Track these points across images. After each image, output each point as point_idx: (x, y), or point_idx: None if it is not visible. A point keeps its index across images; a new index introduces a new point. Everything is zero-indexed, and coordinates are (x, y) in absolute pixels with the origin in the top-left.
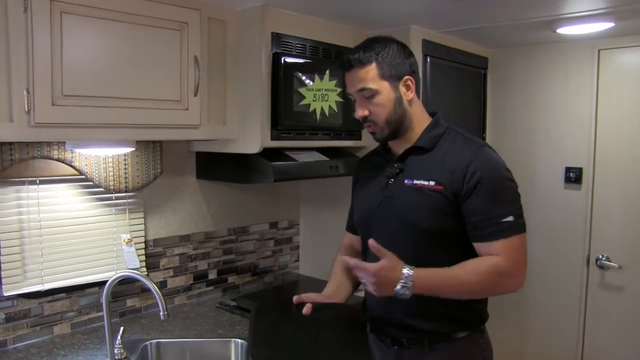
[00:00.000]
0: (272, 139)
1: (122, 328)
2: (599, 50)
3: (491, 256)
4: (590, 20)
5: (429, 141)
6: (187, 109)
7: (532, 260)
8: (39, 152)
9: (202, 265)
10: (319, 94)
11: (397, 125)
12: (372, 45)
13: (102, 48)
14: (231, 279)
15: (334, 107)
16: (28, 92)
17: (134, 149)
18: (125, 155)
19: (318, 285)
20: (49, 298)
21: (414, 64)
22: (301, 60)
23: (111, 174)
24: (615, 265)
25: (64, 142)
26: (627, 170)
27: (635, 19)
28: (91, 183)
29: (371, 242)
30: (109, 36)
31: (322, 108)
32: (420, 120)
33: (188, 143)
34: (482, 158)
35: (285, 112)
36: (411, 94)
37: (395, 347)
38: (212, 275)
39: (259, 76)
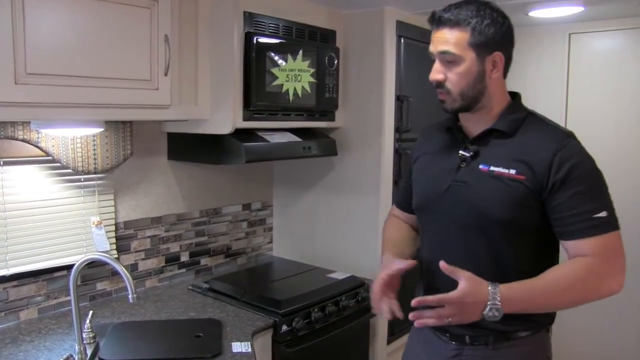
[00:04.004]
0: (244, 119)
1: (91, 312)
2: (569, 35)
3: (583, 258)
4: (562, 4)
5: (510, 125)
6: (158, 89)
7: None
8: (2, 133)
9: (174, 247)
10: (291, 75)
11: (472, 101)
12: (470, 6)
13: (68, 25)
14: (204, 261)
15: (307, 87)
16: None
17: (103, 129)
18: (94, 135)
19: (292, 267)
20: (15, 283)
21: (510, 44)
22: (274, 40)
23: (79, 155)
24: None
25: (29, 122)
26: (597, 154)
27: (604, 4)
28: (59, 164)
29: (442, 264)
30: (75, 13)
31: (295, 88)
32: (500, 101)
33: (159, 123)
34: (570, 148)
35: (257, 93)
36: (497, 73)
37: (454, 343)
38: (185, 257)
39: (230, 56)
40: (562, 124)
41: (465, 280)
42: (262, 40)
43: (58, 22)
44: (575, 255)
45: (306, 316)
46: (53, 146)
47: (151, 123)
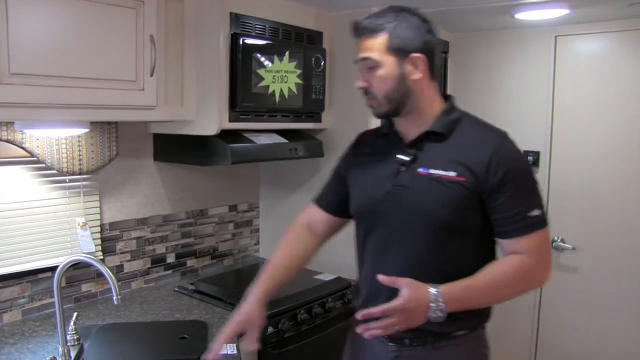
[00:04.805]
0: (230, 120)
1: (75, 313)
2: (556, 37)
3: (516, 255)
4: (547, 6)
5: (446, 127)
6: (143, 90)
7: None
8: None
9: (160, 248)
10: (278, 76)
11: (398, 103)
12: (387, 14)
13: (52, 25)
14: (190, 262)
15: (294, 88)
16: None
17: (88, 130)
18: (79, 136)
19: None
20: None
21: (432, 45)
22: (261, 42)
23: (64, 155)
24: (570, 246)
25: (13, 123)
26: (582, 155)
27: (590, 7)
28: (43, 165)
29: (381, 278)
30: (60, 13)
31: (281, 89)
32: (432, 103)
33: (145, 124)
34: (507, 149)
35: (243, 94)
36: (418, 74)
37: (393, 345)
38: (171, 259)
39: (216, 57)
40: (549, 127)
41: (407, 287)
42: (249, 41)
43: (42, 22)
44: (510, 252)
45: (292, 318)
46: (38, 147)
47: (137, 124)
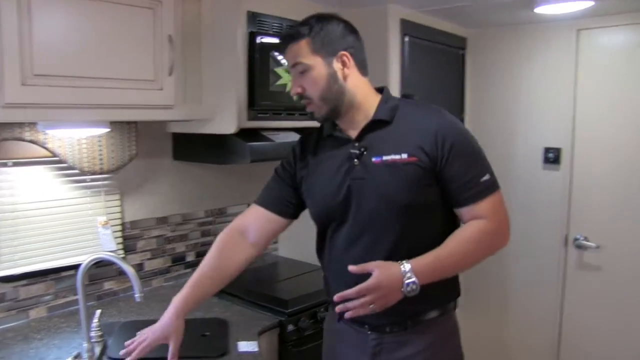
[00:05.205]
0: (249, 119)
1: (98, 311)
2: (578, 31)
3: (475, 221)
4: None
5: (388, 113)
6: (162, 89)
7: (511, 240)
8: (10, 134)
9: (179, 247)
10: None
11: (335, 102)
12: (308, 21)
13: (73, 27)
14: None
15: None
16: None
17: (108, 129)
18: (99, 136)
19: (296, 267)
20: (24, 282)
21: (355, 42)
22: (278, 40)
23: (85, 155)
24: (593, 245)
25: (36, 123)
26: (606, 151)
27: None
28: (65, 165)
29: (351, 268)
30: (80, 15)
31: None
32: (367, 97)
33: (164, 124)
34: (447, 122)
35: (261, 92)
36: (348, 70)
37: (373, 333)
38: (190, 257)
39: (234, 56)
40: (570, 123)
41: (377, 268)
42: (266, 40)
43: (63, 23)
44: (470, 219)
45: (312, 316)
46: (60, 147)
47: (156, 123)
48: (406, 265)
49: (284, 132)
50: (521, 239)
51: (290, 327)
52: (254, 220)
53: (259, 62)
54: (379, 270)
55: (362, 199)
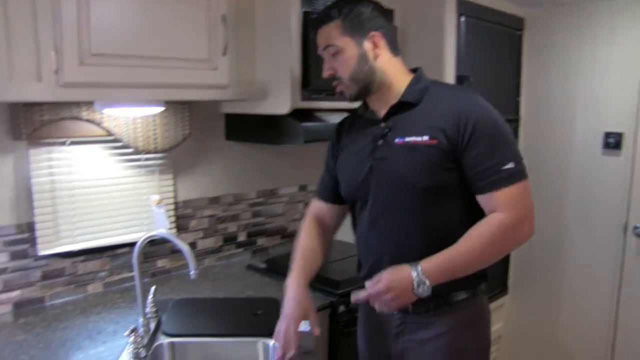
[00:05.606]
0: (303, 99)
1: (153, 287)
2: None
3: (492, 214)
4: None
5: (415, 95)
6: (216, 69)
7: (567, 227)
8: (68, 113)
9: (231, 227)
10: None
11: (366, 83)
12: (337, 3)
13: (129, 7)
14: (260, 241)
15: None
16: (56, 52)
17: (163, 108)
18: (154, 116)
19: (349, 249)
20: (82, 258)
21: (385, 23)
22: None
23: (140, 134)
24: None
25: (93, 103)
26: None
27: None
28: (120, 144)
29: (353, 299)
30: None
31: None
32: (399, 77)
33: (217, 104)
34: (472, 104)
35: (316, 73)
36: (379, 51)
37: (397, 313)
38: (242, 237)
39: (288, 35)
40: (635, 106)
41: (386, 272)
42: None
43: (120, 3)
44: (489, 209)
45: None
46: (115, 126)
47: (209, 104)
48: (416, 267)
49: (337, 113)
50: (578, 226)
51: (342, 308)
52: (320, 212)
53: (313, 41)
54: (388, 274)
55: (381, 180)
